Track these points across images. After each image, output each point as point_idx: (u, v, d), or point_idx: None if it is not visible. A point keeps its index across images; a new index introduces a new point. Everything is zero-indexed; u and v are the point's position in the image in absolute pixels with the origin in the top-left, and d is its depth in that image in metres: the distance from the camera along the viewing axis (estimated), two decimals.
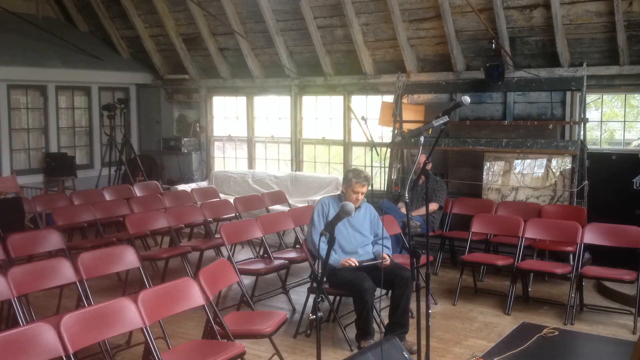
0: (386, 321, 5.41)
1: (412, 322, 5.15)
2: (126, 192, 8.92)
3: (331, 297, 5.65)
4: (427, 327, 3.87)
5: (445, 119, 4.06)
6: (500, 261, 6.39)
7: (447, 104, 8.61)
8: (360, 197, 5.55)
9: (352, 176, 5.51)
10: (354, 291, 5.17)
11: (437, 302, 6.36)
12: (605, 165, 7.45)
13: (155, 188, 9.48)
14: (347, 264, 5.25)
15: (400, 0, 8.28)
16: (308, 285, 5.77)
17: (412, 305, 5.12)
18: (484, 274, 7.17)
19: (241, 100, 11.03)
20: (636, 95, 8.20)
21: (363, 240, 5.55)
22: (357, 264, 5.26)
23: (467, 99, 4.08)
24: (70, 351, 3.57)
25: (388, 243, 5.67)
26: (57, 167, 10.18)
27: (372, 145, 8.96)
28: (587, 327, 5.64)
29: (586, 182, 7.26)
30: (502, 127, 8.14)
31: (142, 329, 3.97)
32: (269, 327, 4.38)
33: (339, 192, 5.86)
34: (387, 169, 8.90)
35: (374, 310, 5.34)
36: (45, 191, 10.00)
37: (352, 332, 5.31)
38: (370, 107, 9.79)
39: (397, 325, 5.24)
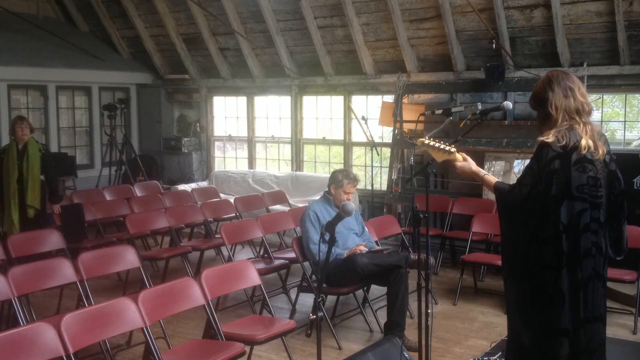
0: (383, 321, 5.41)
1: (413, 322, 5.16)
2: (126, 192, 8.93)
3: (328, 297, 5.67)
4: (428, 327, 3.86)
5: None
6: (501, 261, 6.38)
7: (448, 104, 8.61)
8: (350, 197, 5.56)
9: (343, 177, 5.52)
10: (386, 268, 5.22)
11: (437, 302, 6.36)
12: None
13: (156, 188, 9.48)
14: (358, 251, 5.34)
15: (401, 0, 8.28)
16: (305, 284, 5.76)
17: (413, 305, 5.13)
18: (485, 274, 7.17)
19: (241, 100, 11.03)
20: (637, 95, 8.20)
21: (358, 240, 5.63)
22: (366, 249, 5.37)
23: (509, 104, 4.08)
24: (71, 351, 3.57)
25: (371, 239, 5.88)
26: (58, 167, 10.15)
27: (372, 145, 8.99)
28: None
29: None
30: (502, 127, 8.13)
31: (142, 328, 3.98)
32: (263, 334, 4.36)
33: (319, 195, 5.89)
34: (387, 169, 8.91)
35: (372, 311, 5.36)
36: None
37: (347, 332, 5.32)
38: (370, 107, 9.79)
39: (395, 323, 5.25)
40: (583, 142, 3.05)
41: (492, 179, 3.31)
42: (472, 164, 3.39)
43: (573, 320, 3.03)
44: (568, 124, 3.10)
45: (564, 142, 3.04)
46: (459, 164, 3.39)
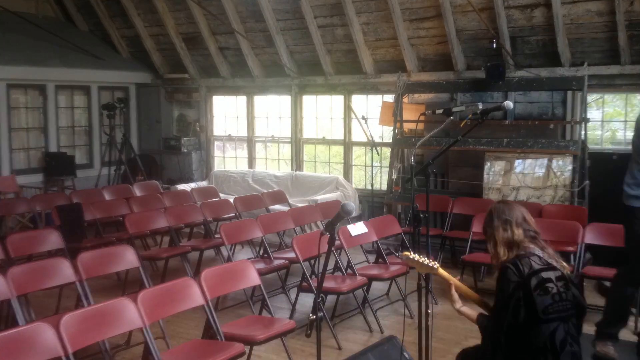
0: (383, 321, 5.41)
1: (413, 322, 5.15)
2: (126, 192, 8.91)
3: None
4: (428, 327, 3.85)
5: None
6: None
7: (448, 104, 8.60)
8: None
9: None
10: None
11: (437, 302, 6.34)
12: (606, 165, 7.43)
13: (155, 188, 9.47)
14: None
15: None
16: (304, 284, 5.75)
17: (413, 305, 5.11)
18: (485, 273, 7.16)
19: (241, 99, 11.02)
20: (637, 94, 8.19)
21: None
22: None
23: (509, 104, 4.09)
24: (70, 351, 3.56)
25: None
26: (57, 166, 10.16)
27: (372, 144, 8.98)
28: (587, 327, 5.60)
29: (587, 182, 7.24)
30: (503, 126, 8.12)
31: (141, 328, 3.97)
32: (262, 334, 4.35)
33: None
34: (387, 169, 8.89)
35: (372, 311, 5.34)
36: (44, 191, 9.99)
37: (347, 332, 5.30)
38: (370, 106, 9.78)
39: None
40: (536, 262, 3.18)
41: (473, 314, 3.43)
42: (455, 301, 3.48)
43: None
44: (515, 252, 3.26)
45: (521, 270, 3.18)
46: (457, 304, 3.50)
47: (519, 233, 3.29)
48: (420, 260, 3.49)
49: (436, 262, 3.52)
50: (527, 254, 3.23)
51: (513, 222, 3.31)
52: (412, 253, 3.56)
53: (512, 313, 3.16)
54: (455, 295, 3.48)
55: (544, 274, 3.18)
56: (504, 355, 3.19)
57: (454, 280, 3.51)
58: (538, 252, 3.25)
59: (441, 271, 3.50)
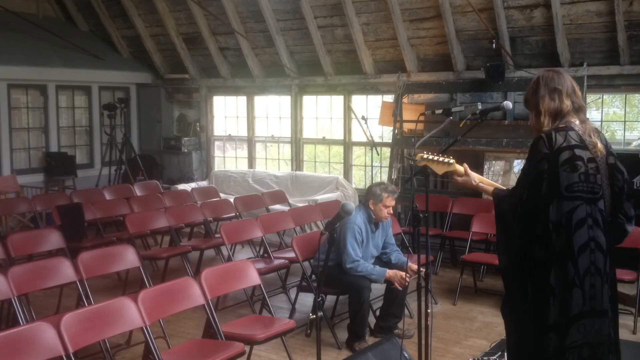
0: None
1: (413, 322, 5.16)
2: (126, 192, 8.93)
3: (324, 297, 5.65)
4: (427, 326, 3.87)
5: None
6: (497, 260, 6.38)
7: (448, 104, 8.61)
8: (391, 211, 5.40)
9: (381, 191, 5.30)
10: (352, 289, 5.16)
11: (437, 301, 6.36)
12: None
13: (156, 187, 9.48)
14: (398, 280, 5.18)
15: (401, 0, 8.28)
16: (304, 284, 5.77)
17: (413, 305, 5.13)
18: (484, 273, 7.17)
19: (241, 99, 11.03)
20: (637, 95, 8.20)
21: (376, 251, 5.59)
22: (408, 282, 5.17)
23: (508, 104, 4.10)
24: (70, 350, 3.57)
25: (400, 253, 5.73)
26: (58, 166, 10.17)
27: (372, 145, 8.99)
28: None
29: None
30: (502, 126, 8.13)
31: (142, 328, 3.98)
32: (262, 333, 4.36)
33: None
34: (387, 169, 8.91)
35: (370, 312, 5.36)
36: (45, 190, 10.00)
37: (347, 332, 5.31)
38: (370, 106, 9.79)
39: (392, 316, 5.33)
40: (572, 137, 3.05)
41: (490, 188, 3.38)
42: (473, 179, 3.45)
43: (564, 315, 3.02)
44: (557, 124, 3.13)
45: (553, 142, 3.06)
46: (461, 179, 3.48)
47: (567, 104, 3.12)
48: (436, 159, 3.46)
49: (451, 158, 3.47)
50: (566, 127, 3.08)
51: (563, 92, 3.13)
52: (425, 153, 3.51)
53: (534, 185, 3.03)
54: (473, 174, 3.44)
55: (577, 152, 3.03)
56: (518, 226, 3.10)
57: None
58: (577, 126, 3.09)
59: (458, 167, 3.46)
